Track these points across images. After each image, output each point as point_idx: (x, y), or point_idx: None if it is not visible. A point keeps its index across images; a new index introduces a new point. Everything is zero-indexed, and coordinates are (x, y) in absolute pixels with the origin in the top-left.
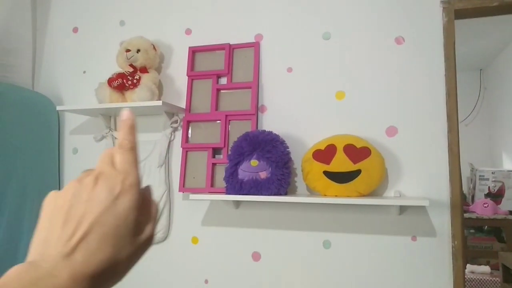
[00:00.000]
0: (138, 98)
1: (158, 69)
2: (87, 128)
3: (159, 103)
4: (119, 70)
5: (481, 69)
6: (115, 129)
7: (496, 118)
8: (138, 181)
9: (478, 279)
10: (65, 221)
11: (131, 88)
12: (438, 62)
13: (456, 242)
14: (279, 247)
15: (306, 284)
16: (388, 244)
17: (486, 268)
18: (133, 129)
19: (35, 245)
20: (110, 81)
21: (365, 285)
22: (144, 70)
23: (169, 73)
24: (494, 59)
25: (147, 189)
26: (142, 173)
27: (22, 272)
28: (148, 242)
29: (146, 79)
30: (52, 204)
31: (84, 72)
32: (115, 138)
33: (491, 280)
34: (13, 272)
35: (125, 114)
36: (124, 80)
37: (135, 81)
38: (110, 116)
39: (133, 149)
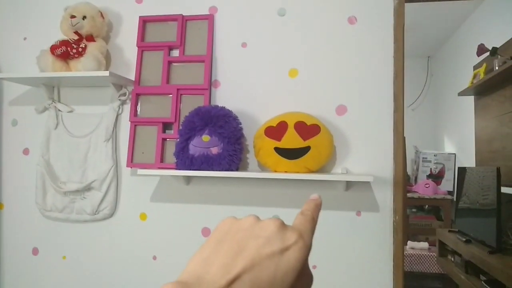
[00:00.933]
0: (83, 67)
1: (106, 38)
2: (28, 98)
3: (106, 73)
4: (63, 37)
5: (429, 56)
6: (59, 101)
7: (440, 104)
8: (310, 244)
9: (417, 254)
10: (233, 251)
11: (76, 57)
12: (387, 44)
13: (397, 217)
14: None
15: None
16: (335, 219)
17: (425, 244)
18: (318, 207)
19: (194, 262)
20: (53, 49)
21: (312, 258)
22: (90, 38)
23: (117, 43)
24: (441, 47)
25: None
26: (89, 147)
27: None
28: None
29: (93, 48)
30: (227, 227)
31: (25, 38)
32: (59, 110)
33: (429, 255)
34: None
35: (315, 196)
36: (69, 48)
37: (80, 49)
38: (53, 86)
39: (313, 220)
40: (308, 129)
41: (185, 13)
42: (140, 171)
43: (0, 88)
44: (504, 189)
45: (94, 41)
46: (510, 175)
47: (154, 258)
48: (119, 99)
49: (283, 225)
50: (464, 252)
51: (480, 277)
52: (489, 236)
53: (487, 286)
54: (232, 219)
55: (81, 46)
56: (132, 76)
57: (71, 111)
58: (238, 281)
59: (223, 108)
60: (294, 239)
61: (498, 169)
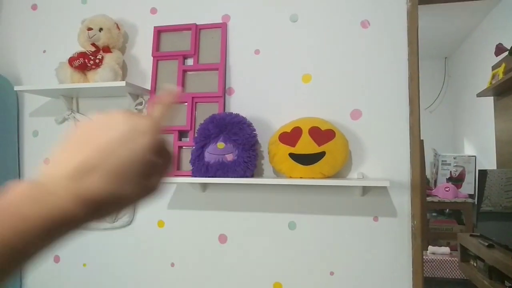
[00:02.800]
0: (101, 78)
1: (122, 49)
2: (48, 109)
3: (123, 83)
4: (80, 49)
5: (446, 57)
6: (77, 111)
7: (459, 105)
8: (161, 127)
9: (438, 259)
10: (81, 145)
11: (93, 68)
12: (402, 47)
13: (415, 222)
14: (245, 229)
15: (272, 264)
16: (351, 225)
17: (446, 249)
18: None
19: (46, 167)
20: (71, 61)
21: (329, 265)
22: (107, 49)
23: (133, 54)
24: (458, 47)
25: (167, 141)
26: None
27: (25, 189)
28: (153, 190)
29: (109, 59)
30: (75, 130)
31: (44, 51)
32: (78, 120)
33: (450, 260)
34: (16, 188)
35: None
36: (86, 60)
37: (97, 61)
38: (71, 97)
39: (164, 107)
40: (322, 134)
41: (199, 22)
42: None
43: (21, 100)
44: None
45: (110, 52)
46: None
47: (172, 265)
48: (136, 109)
49: (131, 113)
50: (487, 257)
51: (505, 283)
52: None
53: None
54: (81, 122)
55: (98, 57)
56: (148, 86)
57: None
58: (94, 171)
59: (237, 115)
60: (144, 126)
61: None
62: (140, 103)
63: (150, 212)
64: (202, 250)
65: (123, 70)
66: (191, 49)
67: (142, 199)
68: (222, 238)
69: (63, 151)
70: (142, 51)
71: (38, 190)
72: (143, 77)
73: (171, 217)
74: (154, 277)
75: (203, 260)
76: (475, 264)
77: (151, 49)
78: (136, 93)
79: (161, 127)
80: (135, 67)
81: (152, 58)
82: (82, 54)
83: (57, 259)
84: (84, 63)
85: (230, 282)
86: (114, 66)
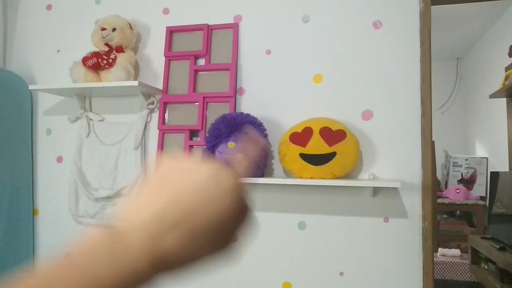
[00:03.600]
0: (114, 78)
1: (135, 49)
2: (61, 108)
3: (135, 83)
4: (94, 49)
5: (458, 58)
6: (90, 110)
7: (470, 107)
8: (244, 184)
9: (449, 261)
10: (162, 190)
11: (107, 68)
12: (414, 47)
13: (426, 223)
14: (255, 229)
15: (281, 264)
16: (362, 225)
17: (456, 251)
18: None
19: (129, 205)
20: (84, 60)
21: (339, 265)
22: (120, 49)
23: (146, 53)
24: (470, 49)
25: (248, 195)
26: (119, 154)
27: (101, 240)
28: (228, 249)
29: (122, 59)
30: (157, 172)
31: (58, 51)
32: (90, 119)
33: (460, 262)
34: (93, 237)
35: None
36: (99, 60)
37: (110, 60)
38: (85, 96)
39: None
40: (333, 135)
41: (211, 22)
42: None
43: (35, 99)
44: None
45: (123, 52)
46: None
47: None
48: (148, 108)
49: (218, 167)
50: (499, 260)
51: None
52: None
53: None
54: (167, 160)
55: (111, 57)
56: (160, 85)
57: (102, 120)
58: (174, 232)
59: (248, 115)
60: (232, 183)
61: None
62: (152, 103)
63: None
64: None
65: (136, 70)
66: (202, 49)
67: (215, 257)
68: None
69: (144, 194)
70: (154, 51)
71: (115, 244)
72: (155, 77)
73: None
74: None
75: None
76: (486, 267)
77: (164, 49)
78: (148, 93)
79: (245, 184)
80: (148, 66)
81: (164, 58)
82: (95, 54)
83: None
84: (97, 62)
85: (239, 282)
86: (127, 66)
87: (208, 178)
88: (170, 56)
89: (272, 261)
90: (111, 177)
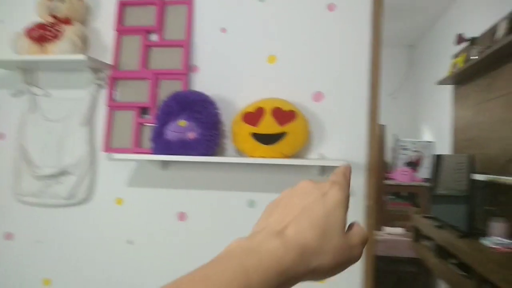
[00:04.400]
0: (60, 51)
1: (84, 22)
2: (3, 82)
3: (83, 57)
4: (39, 20)
5: (410, 46)
6: (35, 85)
7: (420, 93)
8: (347, 190)
9: (393, 239)
10: (284, 209)
11: (52, 40)
12: (365, 32)
13: (370, 201)
14: (205, 207)
15: (230, 242)
16: None
17: (400, 230)
18: (347, 171)
19: (257, 225)
20: (29, 32)
21: None
22: (67, 21)
23: (95, 27)
24: (422, 37)
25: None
26: (65, 131)
27: (242, 242)
28: (355, 250)
29: (69, 32)
30: (275, 201)
31: (1, 21)
32: (35, 94)
33: (404, 240)
34: (235, 242)
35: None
36: (45, 32)
37: (57, 32)
38: (29, 70)
39: (345, 175)
40: (284, 115)
41: None
42: (116, 156)
43: None
44: (477, 176)
45: (71, 24)
46: (483, 162)
47: (130, 242)
48: (96, 83)
49: (315, 182)
50: (437, 237)
51: (450, 260)
52: (460, 221)
53: (456, 268)
54: (287, 190)
55: (57, 29)
56: (109, 60)
57: (47, 95)
58: (293, 222)
59: (201, 93)
60: (328, 185)
61: (471, 157)
62: (101, 78)
63: (108, 189)
64: (161, 228)
65: (84, 44)
66: (155, 24)
67: (347, 258)
68: (182, 216)
69: (270, 214)
70: (104, 25)
71: (253, 241)
72: (105, 52)
73: (130, 195)
74: (112, 254)
75: (161, 237)
76: (425, 244)
77: (114, 22)
78: (97, 68)
79: (345, 186)
80: (97, 40)
81: (115, 32)
82: (40, 25)
83: (9, 236)
84: (43, 34)
85: (189, 259)
86: (74, 39)
87: (313, 186)
88: (121, 30)
89: (221, 239)
90: (56, 154)
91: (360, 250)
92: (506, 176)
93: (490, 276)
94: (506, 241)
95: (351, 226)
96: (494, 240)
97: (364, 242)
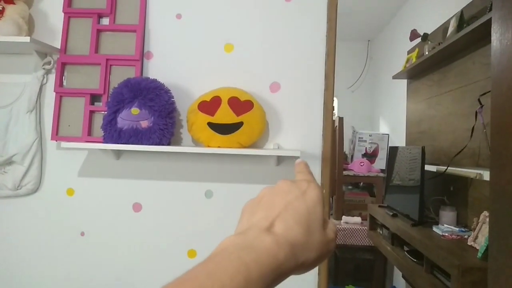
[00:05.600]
0: (1, 32)
1: (28, 2)
2: None
3: (27, 39)
4: None
5: (369, 40)
6: None
7: (377, 87)
8: (319, 185)
9: (350, 228)
10: (267, 207)
11: None
12: (321, 23)
13: (324, 191)
14: (161, 198)
15: (187, 233)
16: None
17: (357, 219)
18: (306, 165)
19: (241, 223)
20: None
21: None
22: (9, 0)
23: (42, 8)
24: (380, 31)
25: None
26: (10, 118)
27: (235, 238)
28: (331, 244)
29: (12, 11)
30: (256, 199)
31: None
32: None
33: (361, 229)
34: (228, 239)
35: (299, 160)
36: None
37: None
38: None
39: (310, 173)
40: (241, 105)
41: None
42: (64, 144)
43: None
44: (428, 167)
45: (13, 3)
46: (434, 154)
47: (82, 234)
48: (43, 68)
49: (293, 181)
50: (391, 225)
51: (404, 247)
52: (412, 211)
53: (408, 255)
54: (266, 188)
55: None
56: (57, 44)
57: None
58: (279, 219)
59: (154, 80)
60: (306, 184)
61: (423, 148)
62: (48, 63)
63: (58, 179)
64: (115, 219)
65: (29, 25)
66: (107, 8)
67: (326, 251)
68: (137, 207)
69: (254, 211)
70: (52, 6)
71: (246, 238)
72: (53, 35)
73: (82, 185)
74: (63, 246)
75: (116, 229)
76: (381, 232)
77: (62, 4)
78: (44, 52)
79: (316, 182)
80: (44, 23)
81: (63, 14)
82: None
83: None
84: None
85: (144, 251)
86: (17, 20)
87: (291, 184)
88: (70, 12)
89: (177, 230)
90: (0, 142)
91: (334, 243)
92: (455, 167)
93: (439, 262)
94: (455, 228)
95: (325, 221)
96: (444, 228)
97: (336, 236)
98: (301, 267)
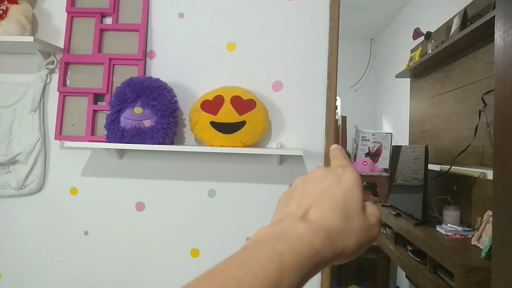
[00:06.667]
0: (5, 32)
1: (32, 2)
2: None
3: (30, 39)
4: None
5: (372, 39)
6: None
7: (380, 86)
8: (356, 170)
9: None
10: (301, 196)
11: None
12: (323, 22)
13: None
14: (164, 197)
15: (190, 232)
16: (269, 192)
17: None
18: (341, 150)
19: (276, 215)
20: None
21: (245, 231)
22: (13, 0)
23: (45, 7)
24: (383, 30)
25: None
26: (14, 118)
27: (268, 228)
28: (374, 229)
29: (15, 11)
30: (289, 190)
31: None
32: None
33: None
34: (261, 230)
35: (334, 146)
36: None
37: (0, 12)
38: None
39: (345, 157)
40: (244, 104)
41: None
42: (68, 144)
43: None
44: (431, 166)
45: (17, 3)
46: (437, 153)
47: (86, 233)
48: (47, 68)
49: (327, 168)
50: (394, 225)
51: (407, 247)
52: (416, 210)
53: (412, 255)
54: (299, 178)
55: (1, 8)
56: (61, 44)
57: None
58: (313, 206)
59: (157, 80)
60: (341, 169)
61: (426, 147)
62: (52, 62)
63: (61, 179)
64: (118, 218)
65: (33, 25)
66: (109, 7)
67: (368, 237)
68: (140, 206)
69: (289, 200)
70: (55, 6)
71: (280, 228)
72: (56, 34)
73: (85, 185)
74: (67, 245)
75: (119, 228)
76: (384, 231)
77: (65, 3)
78: (47, 51)
79: (351, 166)
80: (47, 22)
81: (66, 13)
82: None
83: None
84: None
85: (147, 250)
86: (21, 19)
87: (326, 171)
88: (73, 12)
89: (180, 229)
90: (4, 142)
91: (378, 228)
92: (458, 166)
93: (443, 262)
94: (458, 228)
95: (364, 206)
96: (447, 228)
97: (380, 220)
98: (341, 255)
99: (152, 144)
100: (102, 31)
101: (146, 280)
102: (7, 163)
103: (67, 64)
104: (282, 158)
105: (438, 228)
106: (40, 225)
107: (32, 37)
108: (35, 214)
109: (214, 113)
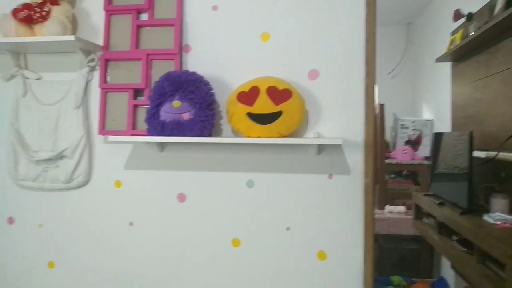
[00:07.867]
0: (48, 32)
1: (72, 2)
2: None
3: (72, 38)
4: (25, 0)
5: (408, 23)
6: (26, 68)
7: (419, 71)
8: None
9: (395, 217)
10: None
11: (40, 21)
12: (360, 8)
13: (367, 179)
14: (204, 188)
15: (230, 222)
16: (307, 182)
17: (402, 208)
18: None
19: None
20: (15, 13)
21: (285, 221)
22: (54, 1)
23: (84, 7)
24: (420, 14)
25: None
26: (59, 115)
27: None
28: None
29: (57, 12)
30: None
31: None
32: (26, 77)
33: (405, 218)
34: None
35: None
36: (31, 12)
37: (44, 13)
38: (19, 53)
39: None
40: (280, 94)
41: None
42: (111, 138)
43: None
44: (476, 153)
45: (58, 4)
46: (482, 139)
47: (131, 224)
48: (88, 65)
49: None
50: (438, 214)
51: (452, 237)
52: (461, 198)
53: (458, 244)
54: None
55: (44, 9)
56: (100, 41)
57: (39, 79)
58: None
59: (193, 73)
60: None
61: (470, 133)
62: (92, 60)
63: (106, 172)
64: (161, 210)
65: (73, 24)
66: (145, 3)
67: None
68: (181, 197)
69: None
70: (93, 4)
71: None
72: (95, 32)
73: (129, 177)
74: (113, 236)
75: (162, 219)
76: (427, 221)
77: (103, 2)
78: (87, 49)
79: None
80: (86, 21)
81: (104, 12)
82: (27, 6)
83: (11, 221)
84: (29, 15)
85: (189, 239)
86: (62, 20)
87: None
88: (111, 10)
89: (221, 219)
90: (51, 138)
91: None
92: (506, 152)
93: (492, 251)
94: (507, 216)
95: None
96: (495, 216)
97: None
98: None
99: (191, 136)
100: (138, 27)
101: (187, 269)
102: (55, 158)
103: (107, 61)
104: (320, 148)
105: (485, 217)
106: (87, 216)
107: (74, 36)
108: (83, 206)
109: (250, 104)
